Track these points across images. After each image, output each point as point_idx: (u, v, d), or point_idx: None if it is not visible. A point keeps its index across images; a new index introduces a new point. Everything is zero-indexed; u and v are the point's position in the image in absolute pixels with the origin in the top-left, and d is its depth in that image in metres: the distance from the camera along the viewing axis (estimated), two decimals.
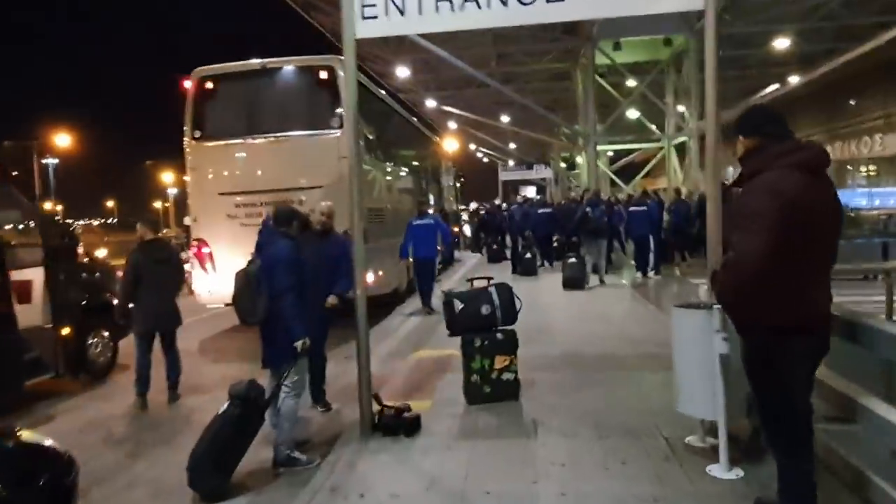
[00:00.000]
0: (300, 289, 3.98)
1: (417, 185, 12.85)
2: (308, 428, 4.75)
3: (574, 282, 10.84)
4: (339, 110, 8.19)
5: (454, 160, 23.10)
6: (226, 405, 3.68)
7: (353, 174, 4.37)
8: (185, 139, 8.66)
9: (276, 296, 3.91)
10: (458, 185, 21.13)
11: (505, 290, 4.94)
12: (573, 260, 11.17)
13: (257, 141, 8.58)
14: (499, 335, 4.85)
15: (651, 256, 12.30)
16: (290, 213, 4.30)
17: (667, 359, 6.06)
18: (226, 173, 8.62)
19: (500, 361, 4.83)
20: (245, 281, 4.10)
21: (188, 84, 8.62)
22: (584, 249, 11.67)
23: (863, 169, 29.15)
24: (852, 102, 27.60)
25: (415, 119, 14.48)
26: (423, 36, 16.42)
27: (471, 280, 5.25)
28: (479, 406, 4.77)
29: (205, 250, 8.53)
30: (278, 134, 8.53)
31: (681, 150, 22.20)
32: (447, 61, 17.27)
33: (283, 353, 3.96)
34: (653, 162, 23.97)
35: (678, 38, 20.42)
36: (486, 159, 43.58)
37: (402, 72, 21.50)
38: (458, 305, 4.85)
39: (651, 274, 12.26)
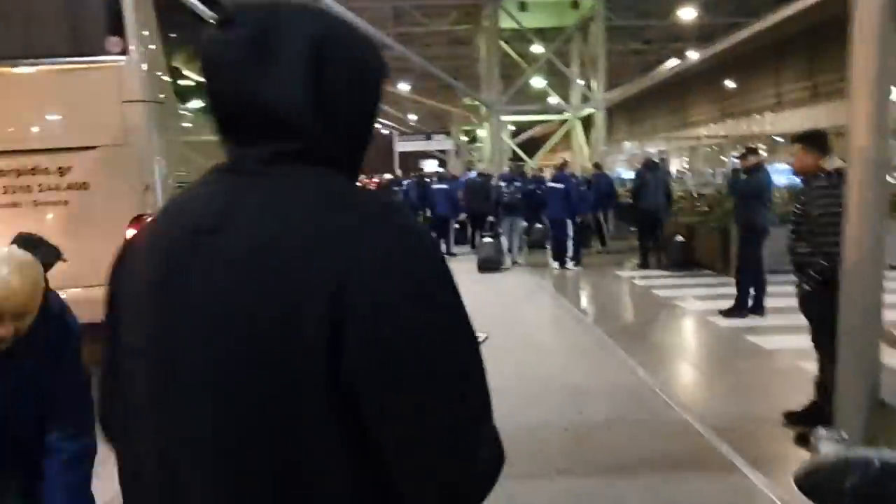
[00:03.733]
0: None
1: None
2: None
3: (490, 263, 10.15)
4: (122, 26, 5.38)
5: None
6: None
7: None
8: None
9: None
10: None
11: None
12: (489, 240, 10.49)
13: None
14: None
15: (570, 244, 10.23)
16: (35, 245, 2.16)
17: (648, 429, 3.69)
18: None
19: None
20: None
21: None
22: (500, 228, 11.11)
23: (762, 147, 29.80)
24: (733, 85, 27.95)
25: None
26: None
27: None
28: None
29: None
30: (18, 60, 5.39)
31: (586, 123, 20.99)
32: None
33: None
34: (559, 134, 22.30)
35: (586, 3, 18.81)
36: (384, 130, 40.83)
37: None
38: None
39: (570, 265, 10.19)
